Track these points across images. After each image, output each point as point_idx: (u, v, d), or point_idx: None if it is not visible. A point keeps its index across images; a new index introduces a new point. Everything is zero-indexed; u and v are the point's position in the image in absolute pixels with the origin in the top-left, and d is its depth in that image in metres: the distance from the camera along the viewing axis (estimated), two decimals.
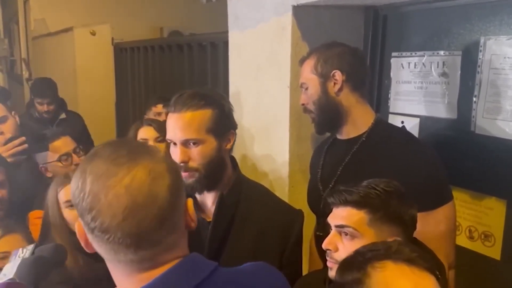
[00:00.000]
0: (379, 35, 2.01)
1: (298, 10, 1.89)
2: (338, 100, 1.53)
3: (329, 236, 1.20)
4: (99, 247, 0.79)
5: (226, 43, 2.94)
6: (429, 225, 1.39)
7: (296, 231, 1.41)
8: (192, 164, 1.30)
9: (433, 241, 1.33)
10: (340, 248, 1.17)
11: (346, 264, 0.97)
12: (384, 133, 1.53)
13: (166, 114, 2.81)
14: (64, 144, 2.12)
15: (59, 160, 2.07)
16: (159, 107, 2.86)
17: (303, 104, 1.59)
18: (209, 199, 1.40)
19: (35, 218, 1.86)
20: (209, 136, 1.30)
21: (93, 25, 4.74)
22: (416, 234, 1.27)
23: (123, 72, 4.75)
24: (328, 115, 1.55)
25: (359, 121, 1.55)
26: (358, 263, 0.93)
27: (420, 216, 1.25)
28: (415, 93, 1.91)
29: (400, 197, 1.17)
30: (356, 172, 1.51)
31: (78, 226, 0.81)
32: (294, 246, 1.41)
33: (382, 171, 1.44)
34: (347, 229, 1.15)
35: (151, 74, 4.21)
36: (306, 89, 1.56)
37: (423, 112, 1.89)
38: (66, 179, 1.76)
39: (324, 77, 1.52)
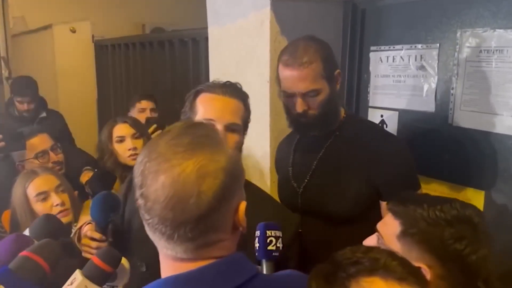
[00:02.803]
0: (357, 29, 2.02)
1: (276, 5, 1.89)
2: (337, 99, 1.53)
3: (370, 237, 1.14)
4: (144, 224, 0.80)
5: (207, 39, 2.93)
6: None
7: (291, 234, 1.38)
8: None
9: None
10: None
11: (323, 278, 0.82)
12: (356, 126, 1.55)
13: (150, 110, 2.82)
14: (41, 141, 2.09)
15: (35, 157, 2.05)
16: (144, 103, 2.86)
17: (304, 111, 1.47)
18: None
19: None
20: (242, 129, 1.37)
21: (73, 22, 4.68)
22: None
23: (104, 70, 4.70)
24: (329, 116, 1.51)
25: (338, 116, 1.56)
26: (340, 279, 0.79)
27: None
28: (394, 87, 1.92)
29: (452, 226, 0.99)
30: (331, 164, 1.53)
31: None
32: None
33: (355, 162, 1.48)
34: (378, 236, 1.09)
35: (133, 71, 4.18)
36: (314, 95, 1.46)
37: (401, 106, 1.90)
38: (33, 174, 1.75)
39: (331, 79, 1.48)
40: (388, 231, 1.05)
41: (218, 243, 0.80)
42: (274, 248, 1.17)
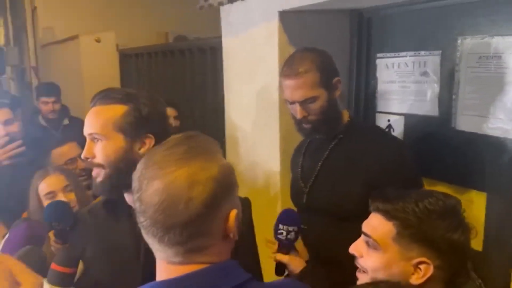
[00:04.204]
0: (364, 37, 2.09)
1: (284, 16, 1.98)
2: (338, 105, 1.63)
3: (356, 241, 1.15)
4: (140, 226, 0.87)
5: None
6: None
7: (247, 219, 1.40)
8: (97, 160, 1.24)
9: None
10: (364, 255, 1.11)
11: None
12: (359, 129, 1.65)
13: (174, 118, 2.92)
14: (70, 149, 2.23)
15: (65, 164, 2.18)
16: (168, 111, 2.95)
17: (304, 117, 1.57)
18: None
19: None
20: (116, 134, 1.23)
21: (98, 32, 4.86)
22: None
23: (128, 78, 4.86)
24: (330, 120, 1.61)
25: (341, 120, 1.65)
26: None
27: None
28: (400, 92, 1.98)
29: (444, 218, 1.03)
30: (334, 166, 1.62)
31: None
32: (247, 233, 1.40)
33: (358, 164, 1.57)
34: (369, 239, 1.09)
35: (155, 79, 4.31)
36: (312, 102, 1.56)
37: (407, 110, 1.96)
38: (45, 173, 1.89)
39: (329, 87, 1.58)
40: (381, 234, 1.06)
41: (208, 248, 0.85)
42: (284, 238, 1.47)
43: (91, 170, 2.23)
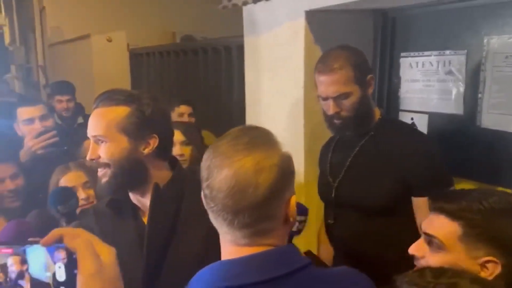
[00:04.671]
0: (388, 37, 2.12)
1: (310, 15, 2.01)
2: (370, 101, 1.67)
3: (417, 241, 1.13)
4: (214, 222, 0.93)
5: (239, 47, 3.06)
6: None
7: None
8: (102, 160, 1.25)
9: None
10: (426, 256, 1.10)
11: None
12: (389, 127, 1.68)
13: (188, 115, 2.96)
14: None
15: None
16: (182, 108, 2.99)
17: (337, 113, 1.60)
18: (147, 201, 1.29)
19: None
20: (120, 135, 1.23)
21: (109, 32, 4.90)
22: (422, 216, 1.40)
23: (139, 77, 4.90)
24: (361, 117, 1.64)
25: (373, 117, 1.69)
26: None
27: (425, 200, 1.40)
28: (424, 91, 2.01)
29: (511, 216, 1.02)
30: (364, 161, 1.66)
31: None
32: None
33: (387, 160, 1.60)
34: (433, 240, 1.07)
35: (167, 78, 4.35)
36: (345, 98, 1.59)
37: (431, 109, 1.99)
38: (66, 169, 1.92)
39: (363, 84, 1.61)
40: (446, 234, 1.05)
41: (272, 231, 0.91)
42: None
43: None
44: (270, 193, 0.88)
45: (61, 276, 0.59)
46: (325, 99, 1.61)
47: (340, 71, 1.56)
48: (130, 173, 1.24)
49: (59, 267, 0.60)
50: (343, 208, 1.70)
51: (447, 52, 1.90)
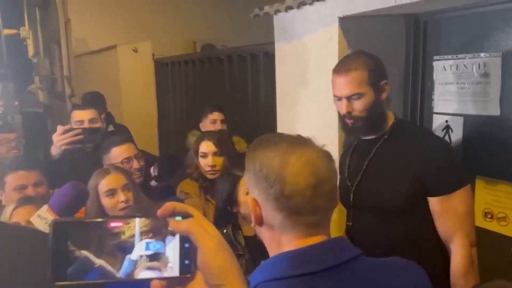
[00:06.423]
0: (420, 40, 2.14)
1: (344, 21, 2.05)
2: (383, 106, 1.70)
3: None
4: (278, 214, 0.93)
5: (266, 54, 3.11)
6: (449, 207, 1.58)
7: None
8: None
9: (455, 221, 1.57)
10: None
11: None
12: (404, 130, 1.71)
13: (221, 122, 3.01)
14: (127, 149, 2.34)
15: (121, 162, 2.29)
16: (215, 115, 3.05)
17: (348, 112, 1.67)
18: None
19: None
20: None
21: (134, 43, 5.01)
22: (439, 216, 1.55)
23: (164, 86, 4.98)
24: (374, 121, 1.69)
25: (385, 121, 1.72)
26: None
27: (440, 199, 1.54)
28: (458, 93, 2.02)
29: None
30: (380, 165, 1.69)
31: (252, 202, 0.96)
32: None
33: (403, 162, 1.64)
34: None
35: (192, 87, 4.41)
36: (357, 98, 1.65)
37: (466, 111, 2.00)
38: (106, 172, 1.98)
39: (376, 88, 1.66)
40: None
41: (326, 221, 0.96)
42: None
43: (144, 170, 2.36)
44: (336, 183, 0.95)
45: (175, 248, 0.61)
46: (339, 99, 1.67)
47: (354, 72, 1.63)
48: None
49: (170, 241, 0.61)
50: (360, 211, 1.75)
51: (482, 54, 1.92)
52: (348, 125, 1.69)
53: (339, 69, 1.67)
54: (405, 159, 1.63)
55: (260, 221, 0.96)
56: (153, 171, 2.24)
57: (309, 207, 0.92)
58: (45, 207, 1.55)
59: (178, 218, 0.62)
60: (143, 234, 0.60)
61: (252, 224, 0.98)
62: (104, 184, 1.95)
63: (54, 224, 0.59)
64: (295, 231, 0.93)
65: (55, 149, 2.19)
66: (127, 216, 0.60)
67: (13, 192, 2.02)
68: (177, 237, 0.61)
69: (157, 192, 2.51)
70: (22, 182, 2.07)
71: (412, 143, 1.65)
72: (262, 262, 0.96)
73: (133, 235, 0.60)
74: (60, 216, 1.47)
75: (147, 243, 0.60)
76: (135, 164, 2.33)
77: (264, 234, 0.98)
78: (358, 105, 1.65)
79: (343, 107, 1.66)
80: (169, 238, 0.61)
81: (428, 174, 1.59)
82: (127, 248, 0.60)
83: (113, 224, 0.60)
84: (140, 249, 0.60)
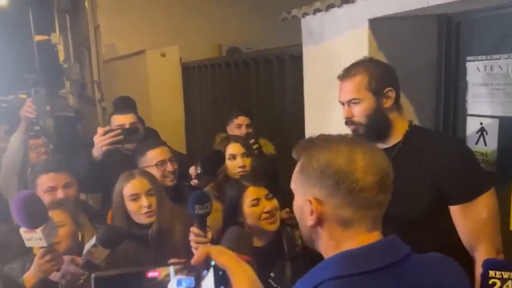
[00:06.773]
0: (452, 41, 2.10)
1: (373, 23, 2.02)
2: (387, 114, 1.67)
3: None
4: (348, 208, 0.96)
5: (292, 57, 3.10)
6: (471, 215, 1.53)
7: None
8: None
9: (479, 229, 1.52)
10: None
11: None
12: (419, 137, 1.67)
13: (246, 126, 3.02)
14: (162, 152, 2.38)
15: (156, 165, 2.32)
16: (241, 119, 3.04)
17: (348, 118, 1.68)
18: None
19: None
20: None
21: (162, 47, 5.08)
22: (461, 224, 1.50)
23: (191, 89, 5.03)
24: (376, 128, 1.67)
25: (397, 130, 1.69)
26: None
27: (461, 207, 1.49)
28: (493, 95, 1.97)
29: None
30: (396, 173, 1.63)
31: (312, 201, 0.97)
32: None
33: (420, 170, 1.59)
34: None
35: (219, 90, 4.44)
36: (356, 104, 1.65)
37: (502, 113, 1.95)
38: (131, 176, 2.00)
39: (378, 94, 1.64)
40: None
41: (382, 216, 1.00)
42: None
43: (178, 172, 2.38)
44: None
45: (209, 277, 0.63)
46: (342, 104, 1.68)
47: (354, 77, 1.64)
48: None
49: (205, 286, 0.64)
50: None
51: None
52: (351, 131, 1.69)
53: (342, 75, 1.71)
54: (422, 168, 1.59)
55: (320, 219, 0.98)
56: (194, 170, 2.26)
57: (374, 202, 0.96)
58: (22, 229, 1.58)
59: (213, 262, 0.65)
60: (177, 272, 0.64)
61: (309, 224, 0.99)
62: (129, 188, 1.98)
63: (96, 279, 0.63)
64: (360, 225, 0.97)
65: (97, 151, 2.25)
66: (163, 264, 0.64)
67: (44, 194, 2.07)
68: (211, 269, 0.65)
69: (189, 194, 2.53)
70: (52, 184, 2.13)
71: (428, 151, 1.61)
72: (318, 263, 0.97)
73: (168, 274, 0.63)
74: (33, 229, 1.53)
75: (179, 280, 0.62)
76: (169, 167, 2.36)
77: (322, 233, 1.00)
78: (357, 111, 1.65)
79: (344, 112, 1.69)
80: (204, 272, 0.64)
81: (446, 182, 1.55)
82: (162, 285, 0.63)
83: (150, 275, 0.63)
84: (172, 286, 0.63)
